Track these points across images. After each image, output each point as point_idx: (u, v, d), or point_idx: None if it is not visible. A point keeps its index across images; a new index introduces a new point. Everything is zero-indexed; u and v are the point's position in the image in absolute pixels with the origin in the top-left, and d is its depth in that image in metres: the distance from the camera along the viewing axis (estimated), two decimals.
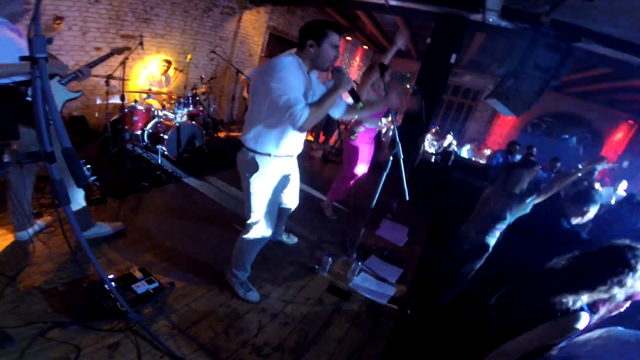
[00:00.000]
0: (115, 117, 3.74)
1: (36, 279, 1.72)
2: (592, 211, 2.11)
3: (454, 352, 1.62)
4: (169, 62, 4.40)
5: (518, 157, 5.55)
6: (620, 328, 1.01)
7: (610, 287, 1.09)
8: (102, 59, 2.42)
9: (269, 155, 1.70)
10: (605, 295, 1.11)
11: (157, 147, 3.65)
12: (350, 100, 1.84)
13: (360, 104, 1.74)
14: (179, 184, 3.32)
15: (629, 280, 1.07)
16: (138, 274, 1.86)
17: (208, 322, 1.76)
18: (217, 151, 4.27)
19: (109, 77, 3.37)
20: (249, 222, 1.86)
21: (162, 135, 3.64)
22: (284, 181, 1.92)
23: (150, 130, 3.74)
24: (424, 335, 2.12)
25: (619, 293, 1.09)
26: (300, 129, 1.59)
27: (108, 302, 1.62)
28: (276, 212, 1.93)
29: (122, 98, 3.58)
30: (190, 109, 4.04)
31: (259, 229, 1.85)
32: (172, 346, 1.54)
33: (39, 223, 2.10)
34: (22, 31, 1.65)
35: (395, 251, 3.01)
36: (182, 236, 2.44)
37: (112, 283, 1.68)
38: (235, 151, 1.79)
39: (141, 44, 3.76)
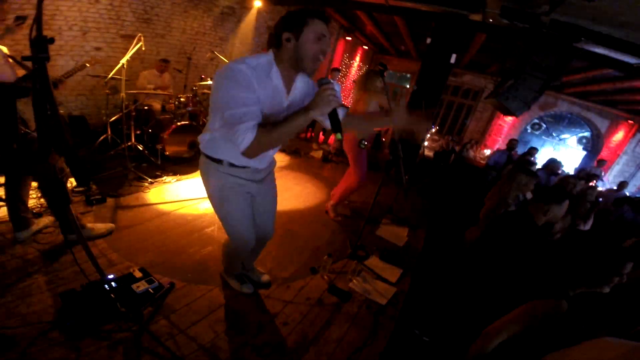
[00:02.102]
0: (115, 117, 3.74)
1: (36, 279, 1.73)
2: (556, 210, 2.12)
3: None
4: (168, 62, 4.39)
5: (519, 152, 5.59)
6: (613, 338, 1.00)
7: None
8: (75, 71, 2.49)
9: (221, 162, 1.46)
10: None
11: (157, 147, 3.65)
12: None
13: (339, 135, 1.23)
14: (179, 183, 3.32)
15: None
16: (138, 274, 1.86)
17: (208, 322, 1.76)
18: None
19: (109, 77, 3.37)
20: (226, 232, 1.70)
21: (162, 135, 3.64)
22: (249, 199, 1.61)
23: (150, 130, 3.74)
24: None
25: None
26: (244, 155, 1.24)
27: (108, 303, 1.62)
28: (250, 225, 1.65)
29: (122, 98, 3.57)
30: (190, 108, 4.04)
31: (236, 240, 1.70)
32: (172, 346, 1.54)
33: (39, 223, 2.10)
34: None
35: (395, 251, 3.01)
36: (182, 236, 2.44)
37: (112, 283, 1.69)
38: None
39: (141, 44, 3.75)
